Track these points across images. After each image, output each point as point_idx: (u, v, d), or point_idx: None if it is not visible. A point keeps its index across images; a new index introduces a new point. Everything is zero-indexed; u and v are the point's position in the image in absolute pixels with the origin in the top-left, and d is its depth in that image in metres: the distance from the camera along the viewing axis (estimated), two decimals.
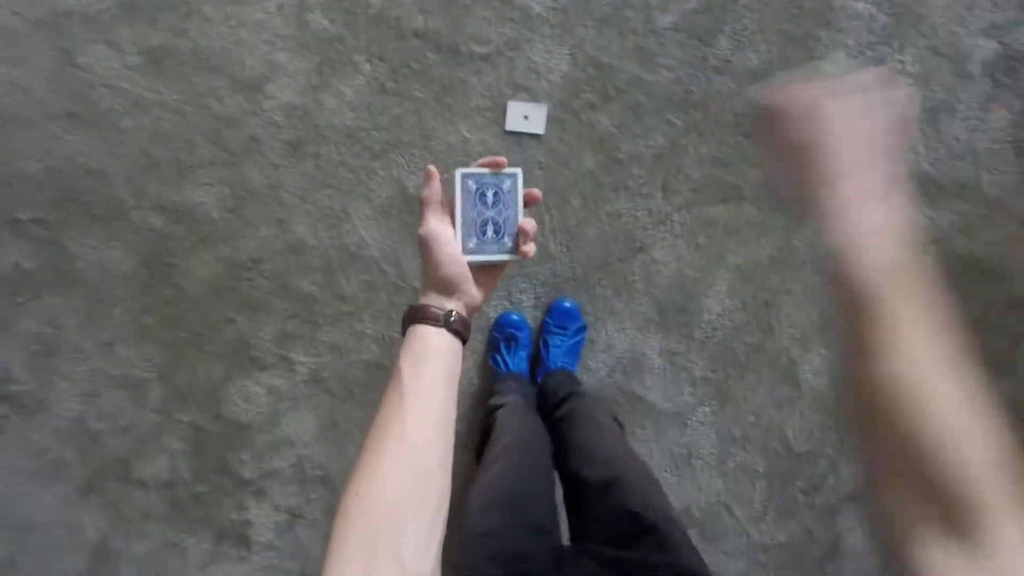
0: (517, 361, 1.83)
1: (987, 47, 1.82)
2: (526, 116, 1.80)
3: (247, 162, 1.81)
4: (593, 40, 1.79)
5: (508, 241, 0.74)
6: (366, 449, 0.60)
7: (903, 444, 0.47)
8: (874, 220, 0.53)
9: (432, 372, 0.65)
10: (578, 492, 1.14)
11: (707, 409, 1.98)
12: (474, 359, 1.93)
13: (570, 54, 1.79)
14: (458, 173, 0.73)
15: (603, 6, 1.78)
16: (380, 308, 1.88)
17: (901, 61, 1.82)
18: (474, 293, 0.72)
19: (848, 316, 0.52)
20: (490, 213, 0.74)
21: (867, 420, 0.50)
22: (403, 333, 0.69)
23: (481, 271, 0.74)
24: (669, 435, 1.99)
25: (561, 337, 1.84)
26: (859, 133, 0.55)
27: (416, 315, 0.68)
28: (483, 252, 0.74)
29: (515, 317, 1.86)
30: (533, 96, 1.80)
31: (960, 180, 1.86)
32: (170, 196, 1.81)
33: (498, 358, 1.85)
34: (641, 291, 1.91)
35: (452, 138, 1.81)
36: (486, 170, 0.74)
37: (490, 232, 0.74)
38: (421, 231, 0.70)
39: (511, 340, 1.83)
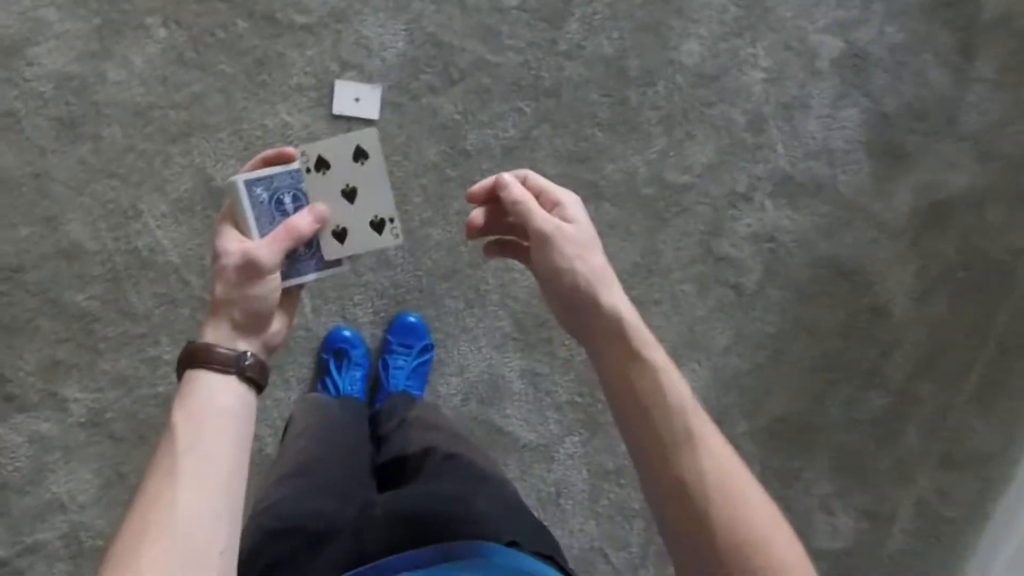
0: (350, 382, 1.52)
1: (833, 44, 1.78)
2: (357, 98, 1.57)
3: (2, 143, 1.44)
4: (431, 16, 1.59)
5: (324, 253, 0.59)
6: (123, 535, 0.44)
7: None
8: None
9: (216, 435, 0.50)
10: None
11: (575, 439, 1.75)
12: (302, 390, 1.61)
13: (406, 30, 1.58)
14: (239, 180, 0.55)
15: None
16: (181, 328, 1.53)
17: (754, 55, 1.75)
18: (276, 328, 0.56)
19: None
20: None
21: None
22: (179, 378, 0.52)
23: (283, 295, 0.56)
24: (535, 472, 1.74)
25: (404, 357, 1.56)
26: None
27: (198, 357, 0.52)
28: (299, 274, 0.58)
29: (347, 333, 1.56)
30: (365, 76, 1.57)
31: (817, 180, 1.79)
32: None
33: (327, 382, 1.53)
34: (497, 303, 1.67)
35: (269, 121, 1.54)
36: (275, 169, 0.56)
37: (300, 247, 0.57)
38: (243, 254, 0.53)
39: (342, 357, 1.53)
